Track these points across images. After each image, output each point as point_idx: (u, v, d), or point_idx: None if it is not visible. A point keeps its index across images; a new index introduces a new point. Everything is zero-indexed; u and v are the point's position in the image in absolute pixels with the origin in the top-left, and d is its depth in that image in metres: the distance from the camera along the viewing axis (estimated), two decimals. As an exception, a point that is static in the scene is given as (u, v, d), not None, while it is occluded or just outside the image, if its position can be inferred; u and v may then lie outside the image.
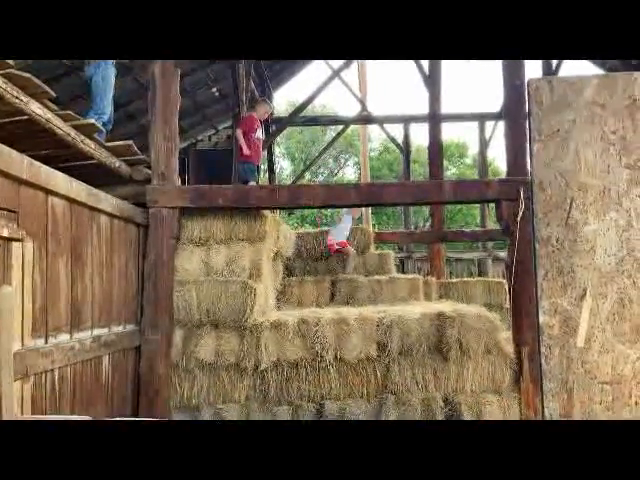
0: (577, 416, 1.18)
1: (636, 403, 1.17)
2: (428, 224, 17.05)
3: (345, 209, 7.63)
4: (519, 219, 4.91)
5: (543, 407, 1.21)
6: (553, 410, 1.20)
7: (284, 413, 5.12)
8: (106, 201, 4.16)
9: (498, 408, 4.91)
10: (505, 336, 5.17)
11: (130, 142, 4.58)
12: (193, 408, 5.17)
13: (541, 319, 1.23)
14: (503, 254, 12.07)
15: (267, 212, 5.72)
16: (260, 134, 7.04)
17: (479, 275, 11.03)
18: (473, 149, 26.28)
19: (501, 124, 11.92)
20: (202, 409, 5.15)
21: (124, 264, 4.60)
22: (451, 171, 22.95)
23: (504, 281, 7.99)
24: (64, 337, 3.51)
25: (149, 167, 5.06)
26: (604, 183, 1.23)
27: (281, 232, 6.19)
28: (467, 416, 4.85)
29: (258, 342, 5.11)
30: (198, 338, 5.18)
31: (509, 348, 5.06)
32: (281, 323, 5.15)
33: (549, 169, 1.25)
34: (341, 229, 7.48)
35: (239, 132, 6.81)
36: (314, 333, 5.08)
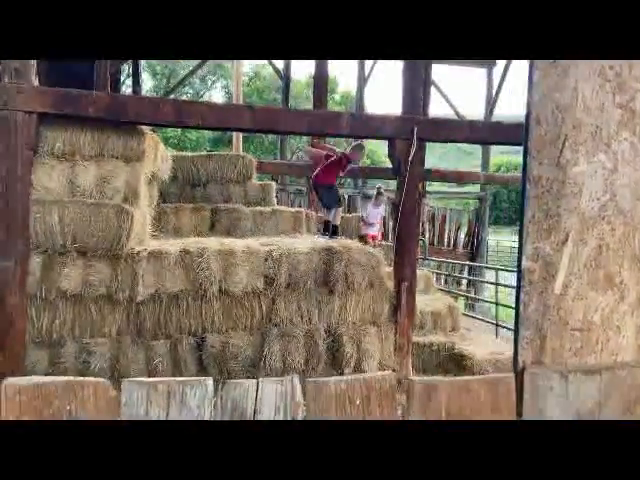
0: (548, 363, 1.14)
1: (601, 350, 1.17)
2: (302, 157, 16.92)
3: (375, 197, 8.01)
4: (410, 158, 4.98)
5: (516, 355, 1.15)
6: (526, 357, 1.14)
7: (161, 347, 4.83)
8: (-55, 94, 3.29)
9: (376, 338, 5.14)
10: (386, 271, 5.36)
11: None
12: (55, 343, 4.63)
13: (524, 264, 1.15)
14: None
15: (145, 128, 5.08)
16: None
17: (348, 211, 11.33)
18: (342, 86, 26.42)
19: (380, 62, 11.98)
20: (65, 344, 4.65)
21: (-32, 176, 3.76)
22: (320, 106, 22.94)
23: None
24: None
25: (-2, 60, 4.12)
26: (597, 122, 1.14)
27: (159, 152, 5.59)
28: (348, 346, 5.01)
29: (134, 272, 4.65)
30: (61, 266, 4.58)
31: (389, 283, 5.26)
32: (162, 253, 4.73)
33: (547, 101, 1.14)
34: (377, 216, 7.93)
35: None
36: (198, 264, 4.76)
